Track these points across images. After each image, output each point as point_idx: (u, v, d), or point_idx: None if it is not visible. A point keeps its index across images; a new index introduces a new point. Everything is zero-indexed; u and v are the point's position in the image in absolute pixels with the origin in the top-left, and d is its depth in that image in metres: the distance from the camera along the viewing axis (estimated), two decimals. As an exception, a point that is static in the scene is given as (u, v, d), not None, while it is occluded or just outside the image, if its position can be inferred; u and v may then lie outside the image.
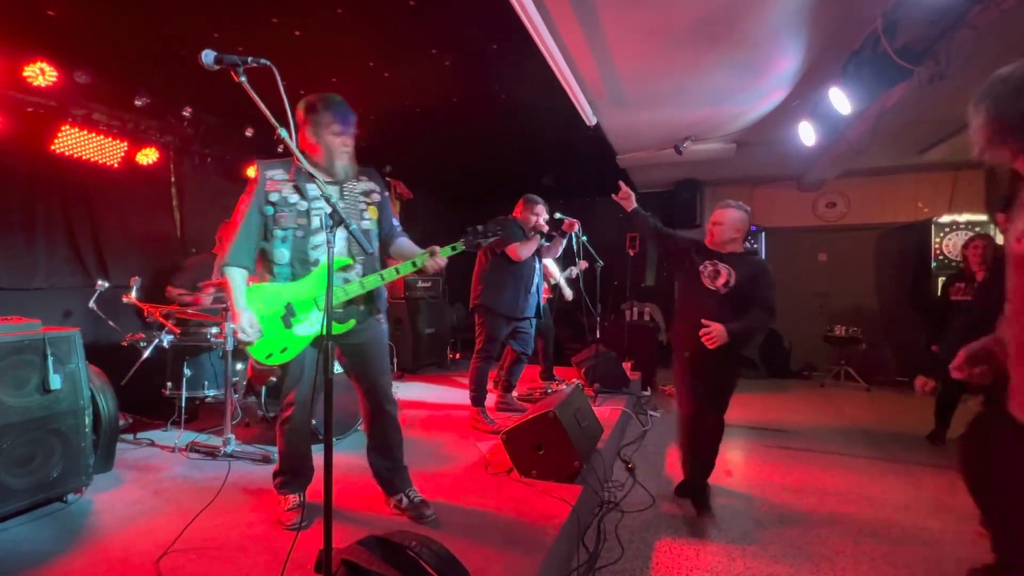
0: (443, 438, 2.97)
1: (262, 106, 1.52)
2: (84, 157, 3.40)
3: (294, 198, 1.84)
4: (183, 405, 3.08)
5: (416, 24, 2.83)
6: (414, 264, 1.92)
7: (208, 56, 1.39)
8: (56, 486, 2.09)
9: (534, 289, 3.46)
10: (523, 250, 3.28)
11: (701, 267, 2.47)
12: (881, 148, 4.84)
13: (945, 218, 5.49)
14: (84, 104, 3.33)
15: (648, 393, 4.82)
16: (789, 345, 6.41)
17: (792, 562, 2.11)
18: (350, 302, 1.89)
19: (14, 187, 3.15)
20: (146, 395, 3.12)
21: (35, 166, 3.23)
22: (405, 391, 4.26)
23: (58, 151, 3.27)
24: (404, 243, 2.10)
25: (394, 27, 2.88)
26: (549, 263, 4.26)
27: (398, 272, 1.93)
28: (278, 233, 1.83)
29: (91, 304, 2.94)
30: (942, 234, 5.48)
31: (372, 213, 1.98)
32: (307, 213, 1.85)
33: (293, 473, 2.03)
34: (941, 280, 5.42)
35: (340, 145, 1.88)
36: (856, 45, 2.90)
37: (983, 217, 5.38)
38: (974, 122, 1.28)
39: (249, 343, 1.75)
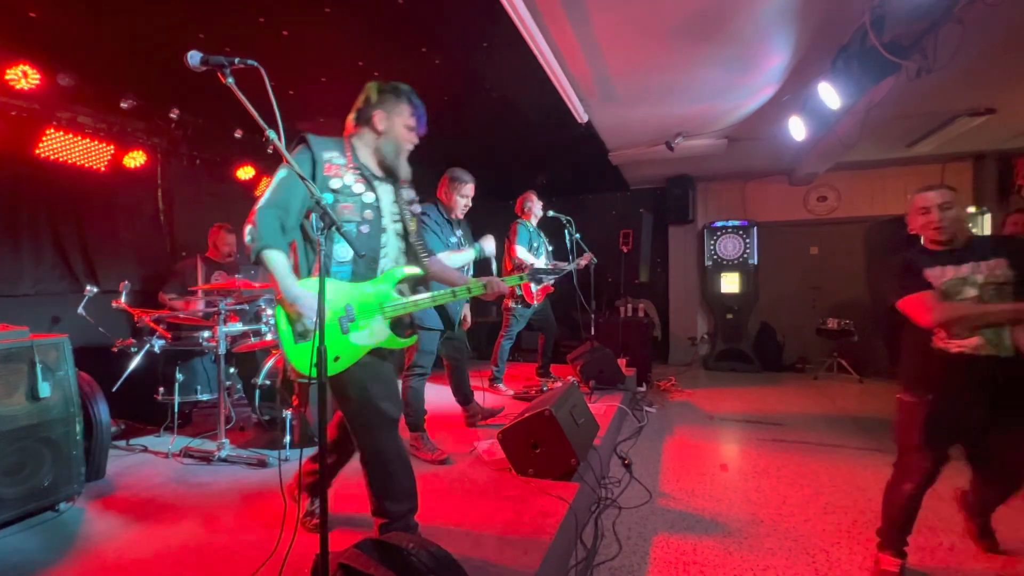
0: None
1: (249, 107, 1.50)
2: (70, 161, 3.35)
3: (360, 187, 1.63)
4: (176, 410, 3.05)
5: (405, 22, 2.81)
6: (469, 290, 1.81)
7: (194, 57, 1.37)
8: (47, 495, 2.07)
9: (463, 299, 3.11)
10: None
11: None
12: (870, 142, 4.88)
13: (934, 210, 5.54)
14: (69, 107, 3.28)
15: (643, 389, 4.84)
16: (782, 339, 6.46)
17: (788, 554, 2.13)
18: (400, 318, 1.71)
19: (-2, 191, 3.11)
20: (138, 401, 3.09)
21: (19, 171, 3.17)
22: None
23: (43, 155, 3.22)
24: (442, 261, 1.96)
25: (383, 26, 2.85)
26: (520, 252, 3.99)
27: (470, 292, 1.81)
28: None
29: (80, 310, 2.90)
30: (931, 226, 5.54)
31: (413, 225, 1.83)
32: (376, 207, 1.65)
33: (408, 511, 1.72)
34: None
35: (409, 141, 1.74)
36: (844, 40, 2.92)
37: (971, 209, 5.44)
38: None
39: (308, 338, 1.52)
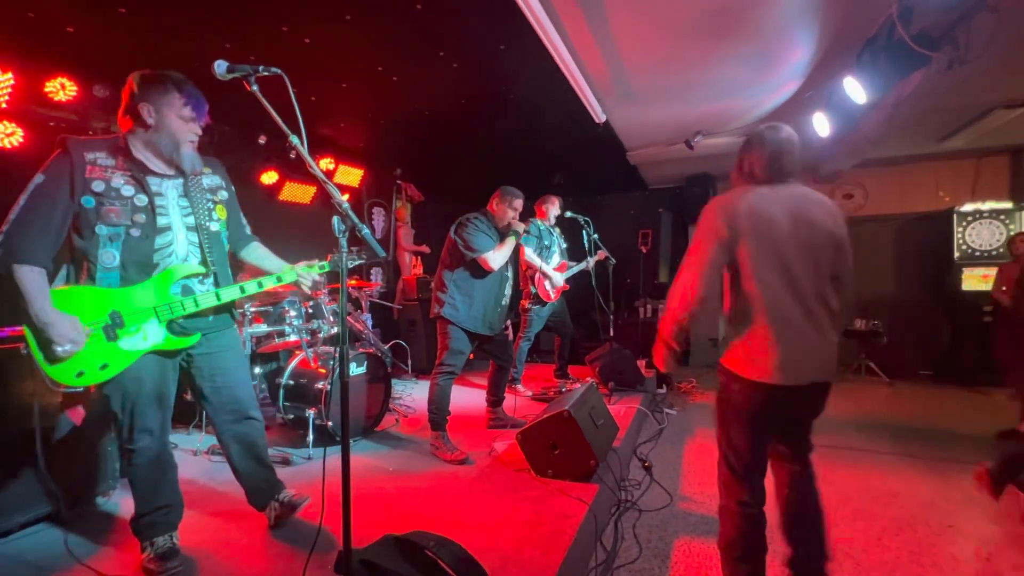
0: (458, 437, 2.98)
1: (273, 114, 1.55)
2: (104, 168, 3.49)
3: (129, 190, 1.55)
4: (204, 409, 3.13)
5: (423, 28, 2.85)
6: (279, 279, 1.78)
7: (220, 67, 1.42)
8: (84, 490, 2.16)
9: (505, 302, 3.04)
10: (497, 258, 2.82)
11: None
12: (899, 137, 4.73)
13: (968, 206, 5.34)
14: (103, 117, 3.41)
15: (664, 391, 4.78)
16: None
17: (814, 561, 2.07)
18: (197, 313, 1.66)
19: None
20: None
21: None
22: (420, 391, 4.28)
23: (79, 163, 3.36)
24: (260, 250, 1.93)
25: (402, 31, 2.90)
26: (532, 256, 4.06)
27: (261, 286, 1.75)
28: (102, 230, 1.52)
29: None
30: (965, 223, 5.34)
31: (220, 213, 1.76)
32: (148, 209, 1.57)
33: (161, 510, 1.71)
34: (965, 271, 5.30)
35: (188, 132, 1.64)
36: (870, 33, 2.84)
37: (1008, 205, 5.22)
38: None
39: (68, 357, 1.44)
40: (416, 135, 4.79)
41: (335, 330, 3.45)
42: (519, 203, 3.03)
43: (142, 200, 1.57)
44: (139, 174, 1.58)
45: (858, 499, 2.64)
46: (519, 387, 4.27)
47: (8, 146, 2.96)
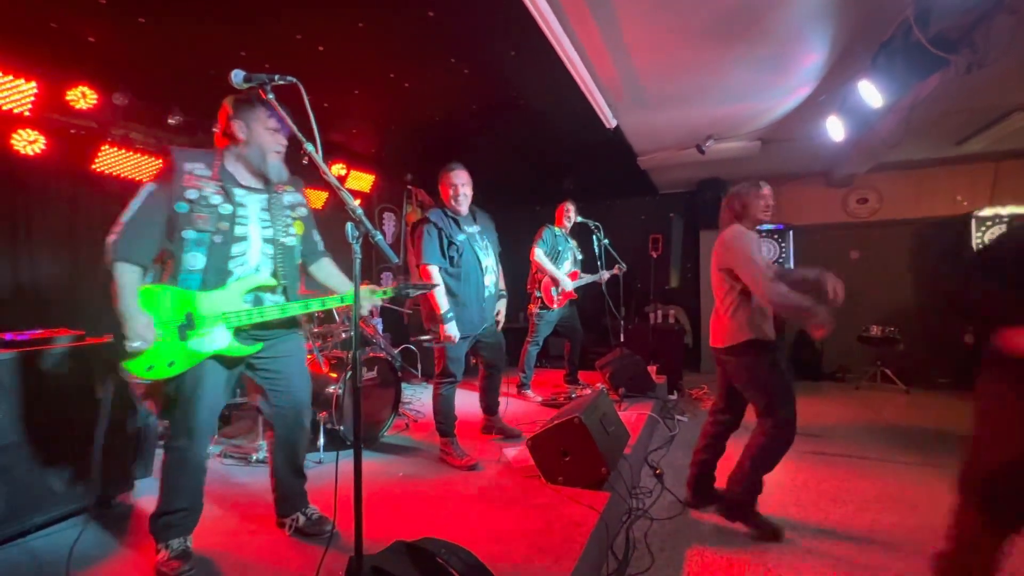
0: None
1: (288, 121, 1.57)
2: (123, 175, 3.56)
3: (216, 199, 1.67)
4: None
5: (435, 34, 2.87)
6: (343, 300, 1.84)
7: (237, 76, 1.45)
8: (101, 490, 2.19)
9: (491, 291, 2.86)
10: (437, 276, 2.67)
11: None
12: (915, 140, 4.66)
13: (987, 211, 5.24)
14: (122, 124, 3.48)
15: (675, 397, 4.73)
16: (820, 346, 6.20)
17: (830, 574, 2.03)
18: (263, 324, 1.75)
19: (58, 205, 3.33)
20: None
21: (78, 185, 3.40)
22: (430, 396, 4.28)
23: (99, 170, 3.43)
24: (328, 267, 2.00)
25: (413, 38, 2.92)
26: (544, 260, 4.03)
27: (324, 305, 1.84)
28: (190, 235, 1.63)
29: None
30: (984, 228, 5.23)
31: (297, 228, 1.86)
32: (231, 218, 1.68)
33: (182, 511, 1.74)
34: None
35: (274, 143, 1.76)
36: (886, 36, 2.81)
37: (1027, 210, 5.11)
38: None
39: (140, 352, 1.56)
40: (427, 141, 4.83)
41: (345, 335, 3.47)
42: (457, 175, 2.73)
43: (227, 209, 1.68)
44: (228, 185, 1.71)
45: (876, 510, 2.59)
46: (528, 392, 4.26)
47: (31, 153, 3.03)
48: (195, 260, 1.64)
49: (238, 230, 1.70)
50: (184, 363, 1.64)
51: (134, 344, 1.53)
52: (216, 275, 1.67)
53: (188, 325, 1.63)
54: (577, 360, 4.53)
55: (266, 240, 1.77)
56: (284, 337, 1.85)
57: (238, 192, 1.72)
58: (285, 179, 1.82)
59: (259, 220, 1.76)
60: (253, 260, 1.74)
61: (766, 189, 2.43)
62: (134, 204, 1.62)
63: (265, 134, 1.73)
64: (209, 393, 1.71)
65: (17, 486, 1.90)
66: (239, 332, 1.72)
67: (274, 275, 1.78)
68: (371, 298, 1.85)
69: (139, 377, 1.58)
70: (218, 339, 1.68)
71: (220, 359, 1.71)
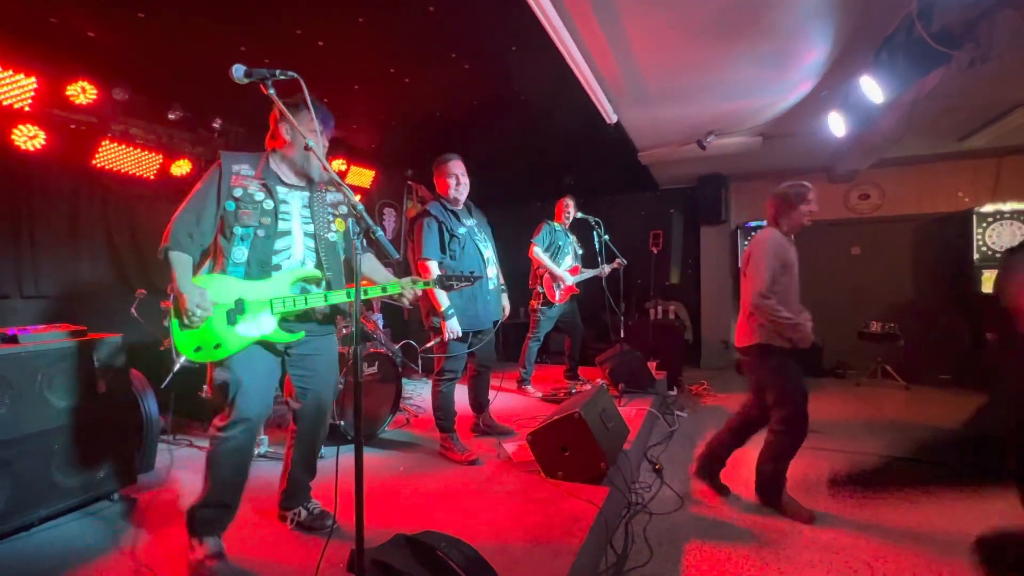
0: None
1: (289, 116, 1.57)
2: (123, 170, 3.56)
3: (260, 195, 1.77)
4: (218, 407, 3.18)
5: (435, 30, 2.86)
6: (384, 289, 1.90)
7: (238, 71, 1.45)
8: (103, 484, 2.21)
9: (494, 283, 2.84)
10: (435, 271, 2.64)
11: None
12: (918, 136, 4.64)
13: (988, 207, 5.22)
14: (122, 120, 3.48)
15: (675, 393, 4.74)
16: (820, 342, 6.20)
17: (828, 568, 2.04)
18: (306, 313, 1.82)
19: (59, 200, 3.33)
20: (185, 397, 3.24)
21: (78, 180, 3.40)
22: (430, 392, 4.29)
23: (99, 165, 3.43)
24: (371, 261, 2.08)
25: (414, 34, 2.91)
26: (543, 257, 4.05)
27: (366, 293, 1.90)
28: (238, 231, 1.73)
29: (132, 311, 3.07)
30: (985, 224, 5.22)
31: (339, 225, 1.93)
32: (273, 213, 1.77)
33: (222, 507, 1.72)
34: (985, 273, 5.18)
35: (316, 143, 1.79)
36: (889, 31, 2.79)
37: (1029, 206, 5.10)
38: None
39: (193, 327, 1.63)
40: (427, 136, 4.81)
41: (345, 330, 3.48)
42: (454, 166, 2.74)
43: (269, 205, 1.78)
44: (271, 183, 1.80)
45: (875, 505, 2.60)
46: (529, 388, 4.27)
47: (31, 149, 3.03)
48: (240, 253, 1.74)
49: (281, 225, 1.78)
50: (231, 347, 1.69)
51: (195, 314, 1.60)
52: (259, 267, 1.75)
53: (237, 310, 1.70)
54: (577, 356, 4.55)
55: (307, 235, 1.84)
56: (321, 335, 1.91)
57: (280, 190, 1.81)
58: (327, 179, 1.88)
59: (300, 216, 1.84)
60: (298, 254, 1.81)
61: (812, 194, 2.51)
62: (186, 200, 1.74)
63: (310, 135, 1.77)
64: (262, 381, 1.75)
65: (20, 480, 1.91)
66: (283, 320, 1.79)
67: (318, 266, 1.84)
68: (412, 288, 1.93)
69: (187, 357, 1.63)
70: (264, 324, 1.74)
71: (266, 345, 1.77)
